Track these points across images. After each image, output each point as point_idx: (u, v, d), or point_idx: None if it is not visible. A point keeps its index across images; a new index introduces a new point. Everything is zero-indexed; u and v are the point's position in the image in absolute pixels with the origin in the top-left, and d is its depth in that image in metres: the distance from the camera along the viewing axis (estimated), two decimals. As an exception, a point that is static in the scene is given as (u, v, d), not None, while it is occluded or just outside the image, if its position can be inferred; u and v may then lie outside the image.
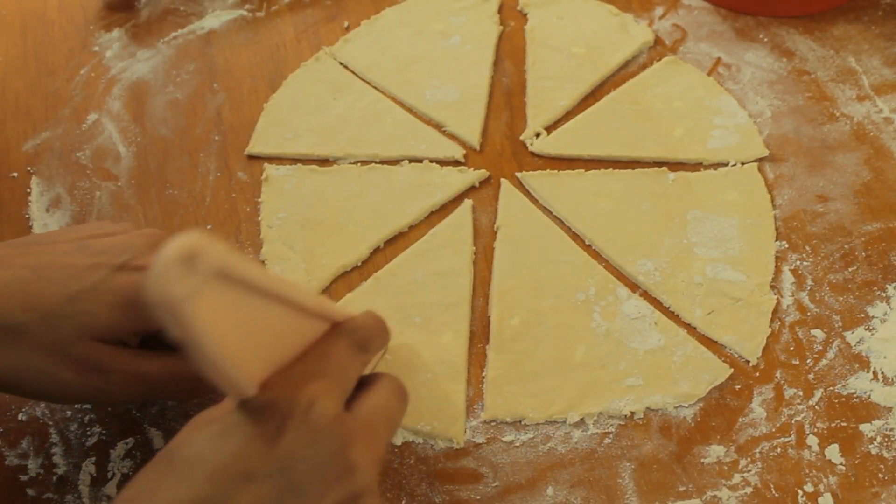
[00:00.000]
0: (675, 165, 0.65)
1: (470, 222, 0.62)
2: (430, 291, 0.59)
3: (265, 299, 0.38)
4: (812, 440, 0.54)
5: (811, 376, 0.56)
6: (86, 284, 0.45)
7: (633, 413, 0.55)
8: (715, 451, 0.53)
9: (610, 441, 0.54)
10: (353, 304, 0.59)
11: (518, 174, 0.65)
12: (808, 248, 0.61)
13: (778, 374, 0.56)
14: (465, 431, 0.55)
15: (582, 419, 0.55)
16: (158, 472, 0.39)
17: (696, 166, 0.65)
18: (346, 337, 0.44)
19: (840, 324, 0.58)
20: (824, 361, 0.56)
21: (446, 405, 0.55)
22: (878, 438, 0.54)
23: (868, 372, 0.56)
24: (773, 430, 0.54)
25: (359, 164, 0.65)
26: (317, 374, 0.40)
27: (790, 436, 0.54)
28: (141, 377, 0.46)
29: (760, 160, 0.65)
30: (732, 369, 0.56)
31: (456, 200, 0.64)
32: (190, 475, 0.38)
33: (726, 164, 0.65)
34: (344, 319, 0.45)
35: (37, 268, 0.46)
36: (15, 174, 0.66)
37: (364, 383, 0.45)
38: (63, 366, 0.45)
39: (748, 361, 0.57)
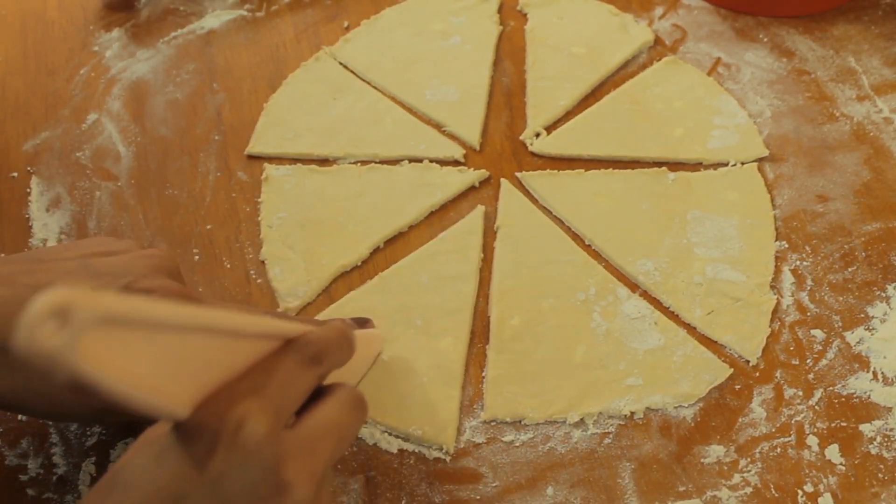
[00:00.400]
0: (675, 165, 0.65)
1: (480, 229, 0.62)
2: (434, 295, 0.59)
3: (181, 333, 0.36)
4: (812, 440, 0.54)
5: (811, 376, 0.56)
6: None
7: (632, 413, 0.55)
8: (715, 451, 0.53)
9: (610, 441, 0.54)
10: (356, 302, 0.59)
11: (518, 174, 0.65)
12: (808, 248, 0.61)
13: (778, 374, 0.56)
14: (465, 431, 0.55)
15: (582, 419, 0.55)
16: (100, 495, 0.39)
17: (696, 166, 0.65)
18: (295, 352, 0.42)
19: (840, 324, 0.58)
20: (824, 361, 0.56)
21: (439, 410, 0.55)
22: (878, 438, 0.54)
23: (868, 372, 0.56)
24: (773, 430, 0.54)
25: (359, 164, 0.65)
26: (253, 392, 0.39)
27: (790, 436, 0.54)
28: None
29: (760, 160, 0.65)
30: (732, 369, 0.56)
31: (467, 204, 0.64)
32: (126, 499, 0.38)
33: (726, 164, 0.65)
34: (299, 335, 0.43)
35: (37, 287, 0.45)
36: (15, 174, 0.66)
37: (319, 394, 0.43)
38: (62, 387, 0.45)
39: (748, 361, 0.57)
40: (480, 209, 0.63)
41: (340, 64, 0.71)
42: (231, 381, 0.39)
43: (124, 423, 0.55)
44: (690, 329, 0.58)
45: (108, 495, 0.39)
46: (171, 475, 0.38)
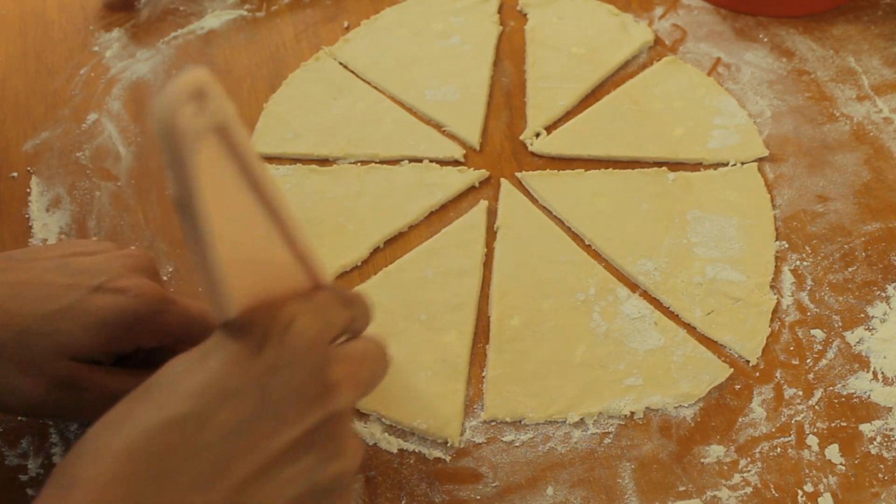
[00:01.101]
0: (675, 165, 0.65)
1: (483, 224, 0.62)
2: (438, 290, 0.59)
3: (255, 196, 0.37)
4: (812, 440, 0.54)
5: (811, 376, 0.56)
6: (63, 304, 0.46)
7: (632, 413, 0.55)
8: (715, 451, 0.53)
9: (610, 441, 0.54)
10: None
11: (518, 174, 0.65)
12: (808, 248, 0.61)
13: (778, 374, 0.56)
14: (465, 431, 0.55)
15: (582, 419, 0.55)
16: (136, 398, 0.38)
17: (696, 166, 0.65)
18: (330, 289, 0.43)
19: (840, 324, 0.58)
20: (824, 361, 0.56)
21: (444, 404, 0.55)
22: (878, 438, 0.54)
23: (868, 372, 0.56)
24: (773, 430, 0.54)
25: (359, 164, 0.65)
26: (299, 302, 0.40)
27: (790, 436, 0.54)
28: (115, 395, 0.44)
29: (760, 160, 0.65)
30: (732, 369, 0.56)
31: (467, 202, 0.64)
32: (167, 396, 0.37)
33: (726, 164, 0.65)
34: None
35: (14, 285, 0.46)
36: (15, 174, 0.66)
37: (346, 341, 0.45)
38: (37, 383, 0.46)
39: (748, 361, 0.57)
40: (483, 204, 0.63)
41: (340, 64, 0.71)
42: (275, 297, 0.40)
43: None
44: (690, 329, 0.58)
45: (144, 398, 0.38)
46: (219, 371, 0.37)
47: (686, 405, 0.55)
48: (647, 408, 0.55)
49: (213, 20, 0.74)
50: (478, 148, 0.66)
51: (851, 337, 0.57)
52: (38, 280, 0.46)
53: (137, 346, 0.48)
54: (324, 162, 0.66)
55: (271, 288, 0.40)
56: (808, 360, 0.57)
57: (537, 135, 0.67)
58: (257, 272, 0.39)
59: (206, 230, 0.34)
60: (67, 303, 0.46)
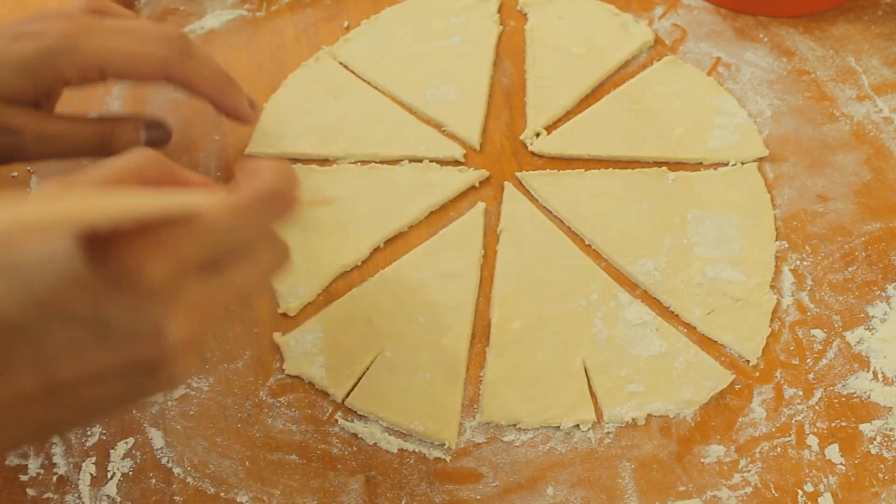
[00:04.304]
0: (676, 165, 0.65)
1: (481, 226, 0.62)
2: (436, 292, 0.59)
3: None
4: (812, 440, 0.54)
5: (811, 376, 0.56)
6: None
7: (633, 419, 0.55)
8: (715, 451, 0.53)
9: (610, 441, 0.54)
10: (357, 299, 0.59)
11: (518, 174, 0.65)
12: (808, 247, 0.61)
13: (778, 374, 0.56)
14: (465, 431, 0.55)
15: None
16: None
17: (696, 166, 0.65)
18: (200, 226, 0.41)
19: (840, 324, 0.58)
20: (824, 361, 0.56)
21: (442, 406, 0.55)
22: (878, 438, 0.54)
23: (868, 372, 0.56)
24: (773, 429, 0.54)
25: (359, 164, 0.65)
26: (170, 235, 0.39)
27: (790, 436, 0.54)
28: (51, 136, 0.55)
29: (760, 160, 0.65)
30: (734, 375, 0.56)
31: (467, 202, 0.64)
32: (14, 291, 0.38)
33: (726, 164, 0.65)
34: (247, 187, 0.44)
35: None
36: (15, 174, 0.66)
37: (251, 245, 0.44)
38: None
39: (748, 361, 0.57)
40: (481, 206, 0.63)
41: (340, 64, 0.71)
42: (146, 227, 0.39)
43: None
44: (692, 335, 0.58)
45: None
46: (67, 292, 0.38)
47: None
48: (648, 414, 0.55)
49: (213, 20, 0.74)
50: (478, 148, 0.66)
51: (851, 337, 0.57)
52: None
53: (65, 82, 0.55)
54: (324, 162, 0.66)
55: (143, 213, 0.39)
56: (809, 360, 0.57)
57: (537, 134, 0.67)
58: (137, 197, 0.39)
59: None
60: None
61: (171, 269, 0.39)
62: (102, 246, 0.38)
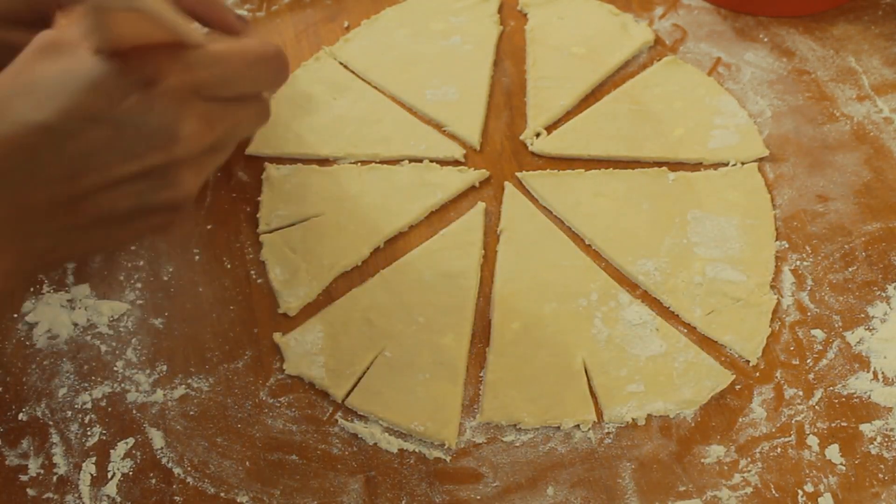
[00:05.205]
0: (676, 165, 0.65)
1: (481, 226, 0.62)
2: (436, 292, 0.59)
3: None
4: (812, 440, 0.54)
5: (811, 376, 0.56)
6: None
7: (634, 419, 0.55)
8: (715, 451, 0.53)
9: (610, 441, 0.54)
10: (357, 299, 0.59)
11: (518, 174, 0.65)
12: (808, 248, 0.61)
13: (778, 374, 0.56)
14: (465, 431, 0.55)
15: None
16: (15, 93, 0.45)
17: (696, 166, 0.65)
18: (215, 49, 0.48)
19: (840, 324, 0.58)
20: (824, 361, 0.57)
21: (442, 406, 0.55)
22: (878, 438, 0.54)
23: (868, 372, 0.56)
24: (773, 430, 0.54)
25: (359, 164, 0.65)
26: (179, 55, 0.46)
27: (790, 436, 0.54)
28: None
29: (760, 160, 0.65)
30: (734, 375, 0.56)
31: (467, 202, 0.64)
32: (43, 101, 0.44)
33: (726, 164, 0.65)
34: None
35: None
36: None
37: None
38: None
39: (748, 361, 0.57)
40: (481, 206, 0.63)
41: (340, 64, 0.71)
42: (157, 47, 0.44)
43: (117, 412, 0.55)
44: (692, 335, 0.58)
45: (27, 94, 0.44)
46: (90, 98, 0.44)
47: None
48: (648, 414, 0.55)
49: (213, 20, 0.74)
50: (478, 148, 0.66)
51: (852, 337, 0.57)
52: None
53: (58, 4, 0.55)
54: (324, 162, 0.66)
55: (153, 37, 0.44)
56: (809, 360, 0.57)
57: (537, 135, 0.67)
58: (146, 19, 0.43)
59: None
60: None
61: (184, 79, 0.46)
62: (123, 58, 0.43)
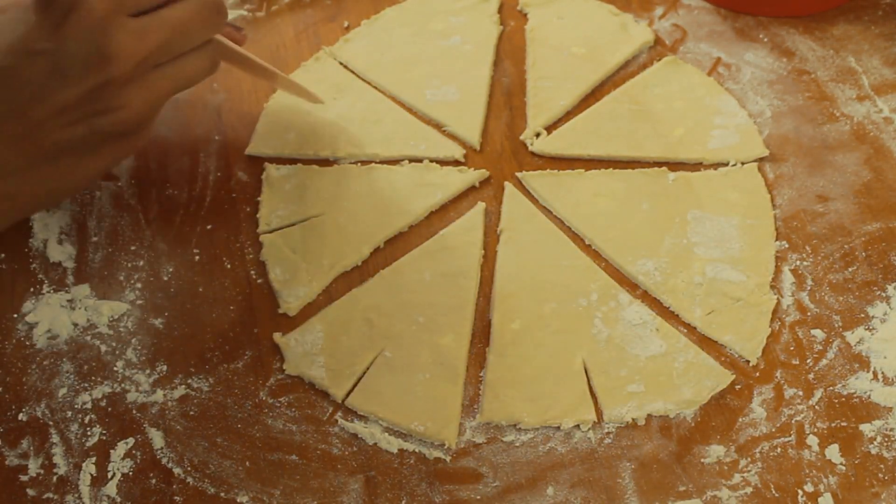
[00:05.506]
0: (676, 165, 0.65)
1: (481, 226, 0.62)
2: (436, 292, 0.59)
3: None
4: (812, 440, 0.54)
5: (811, 376, 0.56)
6: None
7: (633, 419, 0.55)
8: (715, 451, 0.53)
9: (610, 441, 0.54)
10: (357, 299, 0.59)
11: (518, 174, 0.65)
12: (808, 248, 0.61)
13: (778, 374, 0.56)
14: (465, 431, 0.55)
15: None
16: None
17: (696, 166, 0.65)
18: None
19: (840, 324, 0.58)
20: (824, 361, 0.57)
21: (442, 406, 0.55)
22: (878, 438, 0.54)
23: (868, 372, 0.56)
24: (773, 430, 0.54)
25: (359, 164, 0.65)
26: None
27: (790, 436, 0.54)
28: None
29: (760, 160, 0.65)
30: (734, 375, 0.56)
31: (467, 202, 0.64)
32: None
33: (726, 164, 0.65)
34: None
35: None
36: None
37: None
38: None
39: (748, 361, 0.57)
40: (481, 206, 0.63)
41: (340, 64, 0.71)
42: None
43: (117, 412, 0.55)
44: (692, 335, 0.58)
45: None
46: (27, 36, 0.49)
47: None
48: (648, 414, 0.55)
49: (213, 20, 0.74)
50: (478, 148, 0.66)
51: (851, 337, 0.57)
52: None
53: None
54: (324, 162, 0.66)
55: None
56: (809, 360, 0.57)
57: (537, 135, 0.67)
58: None
59: None
60: None
61: (110, 4, 0.49)
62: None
